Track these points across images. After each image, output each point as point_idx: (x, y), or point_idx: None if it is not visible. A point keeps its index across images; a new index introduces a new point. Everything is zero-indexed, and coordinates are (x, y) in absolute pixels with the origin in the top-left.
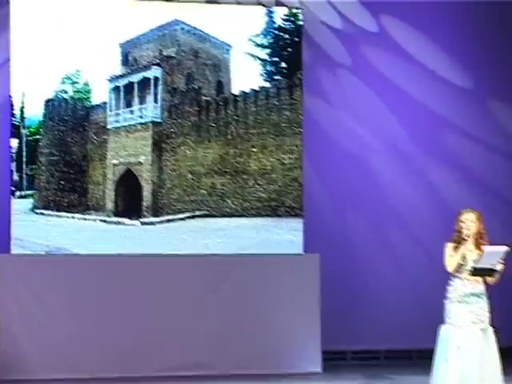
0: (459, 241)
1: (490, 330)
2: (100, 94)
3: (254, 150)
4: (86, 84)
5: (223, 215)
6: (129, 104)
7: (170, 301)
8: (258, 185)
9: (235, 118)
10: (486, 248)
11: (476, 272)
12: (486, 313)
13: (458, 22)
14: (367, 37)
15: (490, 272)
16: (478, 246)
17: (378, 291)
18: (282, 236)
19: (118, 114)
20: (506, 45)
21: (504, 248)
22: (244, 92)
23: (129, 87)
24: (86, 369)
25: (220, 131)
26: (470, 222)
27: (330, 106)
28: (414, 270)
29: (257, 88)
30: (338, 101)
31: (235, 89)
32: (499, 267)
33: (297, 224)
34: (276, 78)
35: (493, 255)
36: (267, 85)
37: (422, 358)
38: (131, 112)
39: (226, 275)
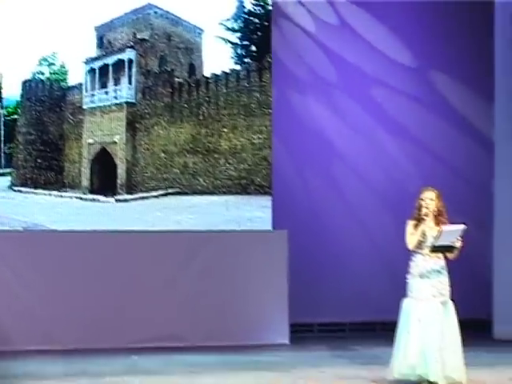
0: (419, 218)
1: (450, 303)
2: (76, 75)
3: (225, 130)
4: (63, 66)
5: (195, 193)
6: (104, 85)
7: (144, 275)
8: (229, 164)
9: (207, 99)
10: (445, 227)
11: (436, 249)
12: (446, 287)
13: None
14: (330, 25)
15: (449, 248)
16: (437, 223)
17: (343, 266)
18: (252, 213)
19: (93, 95)
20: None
21: (461, 226)
22: (215, 74)
23: (104, 69)
24: (61, 340)
25: (192, 112)
26: (429, 200)
27: (297, 87)
28: (379, 246)
29: (227, 70)
30: (306, 82)
31: (207, 71)
32: (458, 244)
33: (266, 201)
34: (246, 60)
35: (451, 233)
36: (237, 67)
37: (386, 330)
38: (106, 93)
39: (198, 251)
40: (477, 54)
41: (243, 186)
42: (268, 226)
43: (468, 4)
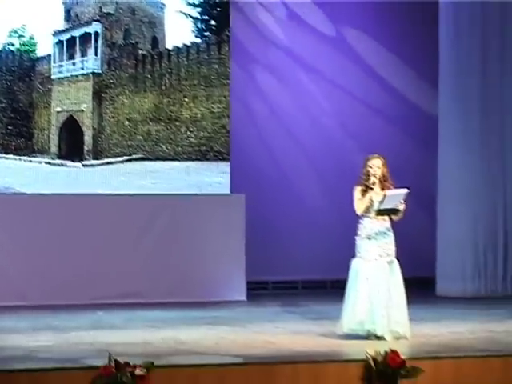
0: (367, 184)
1: (396, 262)
2: (45, 47)
3: (186, 99)
4: (32, 38)
5: (157, 159)
6: (71, 56)
7: (108, 236)
8: (190, 131)
9: (169, 70)
10: (389, 192)
11: (381, 212)
12: (392, 247)
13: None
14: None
15: (393, 211)
16: (383, 188)
17: (297, 228)
18: (211, 178)
19: (61, 66)
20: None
21: (404, 191)
22: (177, 47)
23: (71, 41)
24: (31, 297)
25: (155, 82)
26: (376, 168)
27: (254, 60)
28: (331, 209)
29: (188, 43)
30: (262, 55)
31: (169, 44)
32: (402, 207)
33: (224, 167)
34: (206, 34)
35: (395, 197)
36: (198, 41)
37: (336, 288)
38: (73, 64)
39: (160, 213)
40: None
41: (203, 153)
42: (226, 190)
43: None
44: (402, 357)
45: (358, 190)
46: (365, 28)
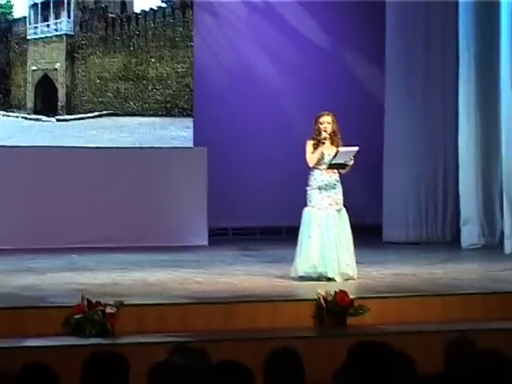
0: (319, 140)
1: (344, 210)
2: (21, 9)
3: (153, 60)
4: (9, 0)
5: (126, 114)
6: (46, 19)
7: (81, 186)
8: (156, 89)
9: (137, 32)
10: (341, 148)
11: (331, 166)
12: (340, 196)
13: None
14: None
15: (343, 166)
16: (333, 142)
17: (256, 178)
18: (176, 132)
19: (36, 27)
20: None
21: (355, 148)
22: (144, 11)
23: (46, 4)
24: (10, 241)
25: (124, 44)
26: (327, 124)
27: (217, 22)
28: (288, 160)
29: (155, 8)
30: (224, 18)
31: (137, 8)
32: (351, 162)
33: (188, 123)
34: None
35: (346, 154)
36: (164, 5)
37: (290, 234)
38: (48, 26)
39: (128, 164)
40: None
41: (168, 109)
42: (190, 144)
43: None
44: (351, 296)
45: (310, 144)
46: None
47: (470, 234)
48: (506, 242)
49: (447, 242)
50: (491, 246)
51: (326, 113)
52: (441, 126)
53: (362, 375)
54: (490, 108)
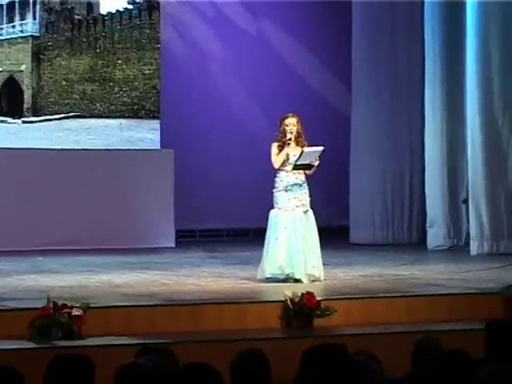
0: (284, 141)
1: (310, 211)
2: None
3: (119, 61)
4: None
5: (93, 116)
6: (11, 20)
7: (49, 187)
8: (123, 91)
9: (103, 34)
10: (306, 149)
11: (297, 167)
12: (307, 198)
13: None
14: None
15: (308, 167)
16: (298, 144)
17: (222, 180)
18: (143, 134)
19: (1, 29)
20: None
21: (320, 148)
22: (111, 13)
23: (11, 5)
24: None
25: (90, 45)
26: (292, 126)
27: (183, 24)
28: (256, 162)
29: (121, 9)
30: (191, 20)
31: (103, 9)
32: (316, 163)
33: (155, 124)
34: (138, 0)
35: (311, 154)
36: (130, 7)
37: (257, 236)
38: (13, 27)
39: (95, 166)
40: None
41: (135, 111)
42: (157, 146)
43: None
44: (317, 298)
45: (275, 146)
46: None
47: (436, 235)
48: (471, 243)
49: (413, 243)
50: (457, 248)
51: (291, 114)
52: (407, 125)
53: (317, 379)
54: (456, 108)
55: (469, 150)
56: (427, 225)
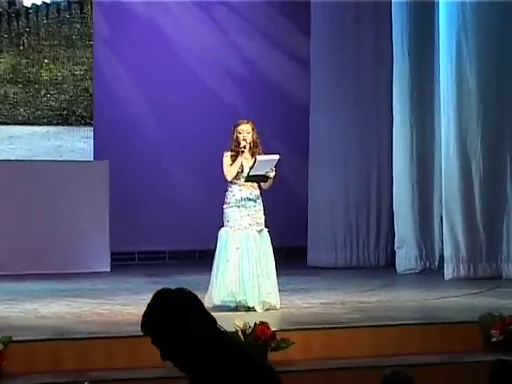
0: (237, 150)
1: (265, 230)
2: None
3: (46, 60)
4: None
5: (16, 123)
6: None
7: None
8: (50, 94)
9: (27, 29)
10: (259, 157)
11: (250, 178)
12: (261, 215)
13: None
14: None
15: (263, 178)
16: (253, 154)
17: (164, 196)
18: (73, 144)
19: None
20: None
21: (276, 157)
22: (36, 5)
23: None
24: None
25: (12, 42)
26: (245, 133)
27: (119, 19)
28: (199, 176)
29: (48, 1)
30: (128, 14)
31: (27, 1)
32: (271, 174)
33: (87, 132)
34: None
35: (265, 163)
36: None
37: (204, 258)
38: None
39: (19, 180)
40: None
41: (64, 117)
42: (90, 157)
43: None
44: (272, 328)
45: (227, 156)
46: None
47: (406, 257)
48: (446, 266)
49: (381, 266)
50: (430, 271)
51: (245, 121)
52: (373, 133)
53: None
54: (427, 114)
55: (442, 162)
56: (396, 245)
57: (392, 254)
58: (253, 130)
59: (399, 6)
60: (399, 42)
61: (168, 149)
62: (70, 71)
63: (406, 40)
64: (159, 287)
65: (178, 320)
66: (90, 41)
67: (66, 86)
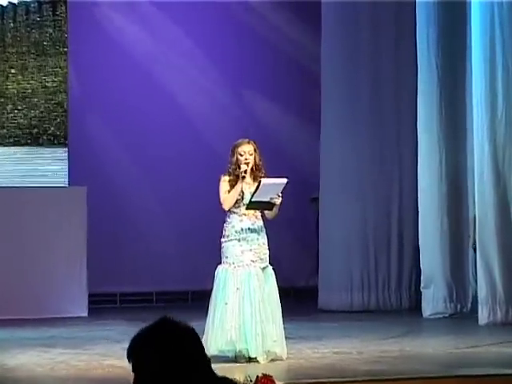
0: (237, 174)
1: (270, 268)
2: None
3: (13, 71)
4: None
5: None
6: None
7: None
8: (18, 110)
9: None
10: (264, 180)
11: (252, 205)
12: (265, 250)
13: None
14: None
15: (268, 205)
16: (255, 179)
17: (152, 228)
18: (45, 167)
19: None
20: None
21: (283, 180)
22: (1, 6)
23: None
24: None
25: None
26: (248, 155)
27: (97, 22)
28: (191, 206)
29: (15, 2)
30: (107, 16)
31: None
32: (278, 201)
33: (61, 153)
34: None
35: (271, 188)
36: None
37: (198, 301)
38: None
39: None
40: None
41: (35, 136)
42: (65, 183)
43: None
44: (278, 383)
45: (225, 181)
46: None
47: (433, 298)
48: (480, 309)
49: (404, 309)
50: (461, 315)
51: (247, 141)
52: (394, 154)
53: None
54: (458, 132)
55: (476, 187)
56: (422, 285)
57: (417, 295)
58: (255, 150)
59: (424, 6)
60: (425, 47)
61: (154, 170)
62: (41, 83)
63: (432, 44)
64: None
65: (176, 356)
66: (64, 47)
67: (36, 100)
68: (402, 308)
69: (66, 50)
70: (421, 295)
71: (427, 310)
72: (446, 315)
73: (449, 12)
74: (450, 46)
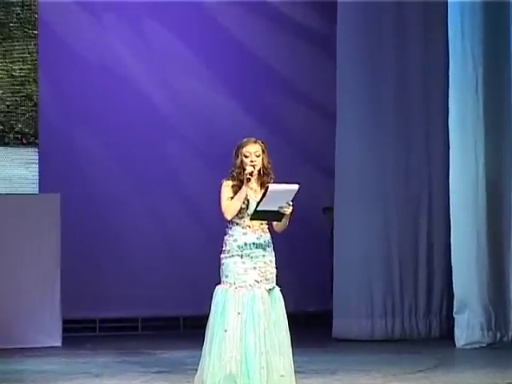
0: (242, 179)
1: (278, 290)
2: None
3: None
4: None
5: None
6: None
7: None
8: None
9: None
10: (273, 186)
11: (258, 215)
12: (272, 269)
13: None
14: None
15: (276, 216)
16: (262, 184)
17: (134, 243)
18: (11, 171)
19: None
20: None
21: (295, 186)
22: None
23: None
24: None
25: None
26: (255, 156)
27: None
28: (185, 216)
29: None
30: None
31: None
32: (288, 210)
33: (31, 155)
34: None
35: (280, 195)
36: None
37: (191, 327)
38: None
39: None
40: None
41: None
42: (35, 189)
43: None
44: None
45: (228, 186)
46: None
47: (468, 326)
48: None
49: (433, 338)
50: (501, 345)
51: (253, 140)
52: (422, 163)
53: None
54: (500, 136)
55: None
56: (454, 310)
57: (449, 322)
58: (263, 152)
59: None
60: (459, 44)
61: (140, 173)
62: (7, 71)
63: (470, 43)
64: (129, 367)
65: None
66: (33, 30)
67: (1, 92)
68: (431, 337)
69: (35, 32)
70: (453, 322)
71: (461, 338)
72: (483, 345)
73: (489, 11)
74: (493, 45)
